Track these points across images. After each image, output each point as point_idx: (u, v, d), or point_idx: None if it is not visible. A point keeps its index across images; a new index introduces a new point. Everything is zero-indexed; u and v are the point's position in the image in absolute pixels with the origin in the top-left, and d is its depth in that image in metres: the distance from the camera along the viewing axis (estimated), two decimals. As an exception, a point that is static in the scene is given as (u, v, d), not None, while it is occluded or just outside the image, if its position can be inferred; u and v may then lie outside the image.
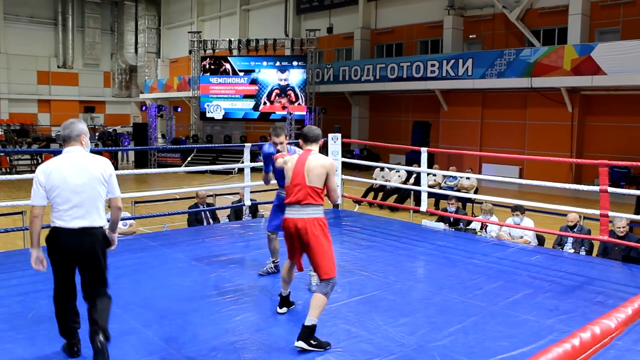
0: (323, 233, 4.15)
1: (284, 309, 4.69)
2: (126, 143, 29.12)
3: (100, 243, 3.72)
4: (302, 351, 3.91)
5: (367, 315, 4.64)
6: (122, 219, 8.49)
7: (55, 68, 37.75)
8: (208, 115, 26.77)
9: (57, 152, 7.35)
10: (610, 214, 6.55)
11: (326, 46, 27.44)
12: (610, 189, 6.50)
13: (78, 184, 3.62)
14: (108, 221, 3.89)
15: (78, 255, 3.67)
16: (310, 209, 4.17)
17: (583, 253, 7.64)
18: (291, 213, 4.22)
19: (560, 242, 8.05)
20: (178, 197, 12.55)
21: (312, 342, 3.93)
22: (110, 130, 32.23)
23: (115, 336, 4.07)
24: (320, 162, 4.21)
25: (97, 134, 31.55)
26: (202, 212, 9.32)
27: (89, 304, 3.70)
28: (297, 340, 3.93)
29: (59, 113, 36.77)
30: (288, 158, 4.45)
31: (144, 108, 27.03)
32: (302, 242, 4.18)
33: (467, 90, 20.40)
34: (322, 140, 4.80)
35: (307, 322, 3.94)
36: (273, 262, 5.72)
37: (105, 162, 3.79)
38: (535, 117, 19.13)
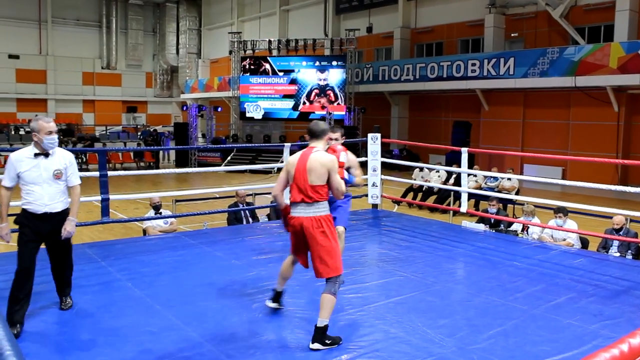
0: (329, 231, 4.13)
1: (275, 305, 4.65)
2: (167, 142, 29.58)
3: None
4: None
5: (405, 316, 4.60)
6: (163, 217, 8.63)
7: (100, 69, 38.64)
8: (248, 115, 26.99)
9: (101, 152, 7.51)
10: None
11: (366, 46, 27.36)
12: (659, 191, 6.30)
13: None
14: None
15: None
16: (314, 208, 4.14)
17: (629, 257, 7.42)
18: (297, 212, 4.22)
19: (605, 246, 7.85)
20: (218, 196, 12.68)
21: (326, 341, 4.00)
22: (151, 129, 32.74)
23: (156, 332, 4.16)
24: (320, 162, 4.15)
25: (139, 133, 32.13)
26: (242, 211, 9.39)
27: None
28: (312, 343, 3.99)
29: (102, 113, 37.67)
30: (290, 158, 4.39)
31: (184, 108, 27.40)
32: (307, 240, 4.16)
33: (509, 90, 20.05)
34: (329, 135, 4.68)
35: (319, 324, 3.99)
36: None
37: None
38: (579, 117, 18.68)
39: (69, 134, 29.88)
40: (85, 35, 37.93)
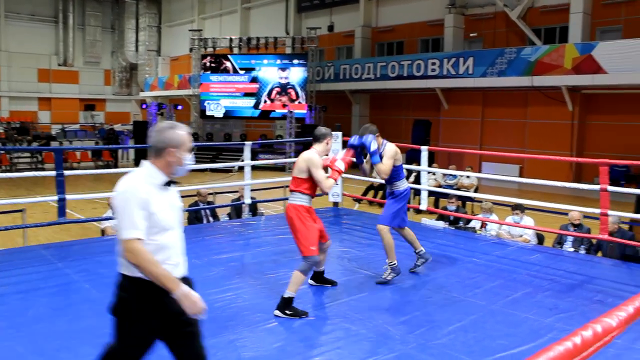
0: (300, 217, 4.75)
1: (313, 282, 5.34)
2: (126, 141, 29.10)
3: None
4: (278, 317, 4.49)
5: (366, 314, 4.64)
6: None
7: (56, 66, 37.68)
8: (208, 113, 26.75)
9: (58, 151, 7.34)
10: (610, 212, 6.55)
11: (327, 44, 27.41)
12: (611, 188, 6.50)
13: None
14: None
15: None
16: (294, 197, 4.85)
17: (583, 252, 7.63)
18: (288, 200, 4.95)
19: (560, 241, 8.05)
20: (178, 195, 12.52)
21: (287, 311, 4.52)
22: (108, 128, 32.10)
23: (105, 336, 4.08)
24: (302, 157, 4.83)
25: (96, 132, 31.52)
26: (202, 210, 9.31)
27: None
28: (275, 309, 4.54)
29: (59, 111, 36.74)
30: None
31: (144, 106, 27.05)
32: (288, 223, 4.86)
33: (468, 89, 20.37)
34: (328, 138, 5.02)
35: (284, 295, 4.56)
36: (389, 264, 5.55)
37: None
38: (536, 116, 19.11)
39: (24, 133, 29.15)
40: (41, 30, 36.93)
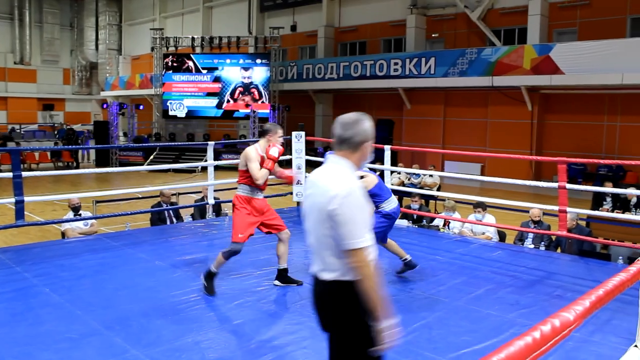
0: (237, 206, 5.21)
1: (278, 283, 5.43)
2: (87, 142, 28.57)
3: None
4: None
5: (332, 313, 4.64)
6: (83, 219, 8.34)
7: (12, 64, 36.67)
8: (171, 113, 26.44)
9: (15, 151, 7.16)
10: (568, 209, 6.70)
11: (290, 44, 27.38)
12: (569, 186, 6.65)
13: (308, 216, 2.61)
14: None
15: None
16: (238, 188, 5.27)
17: (543, 248, 7.80)
18: None
19: (520, 238, 8.21)
20: (140, 196, 12.36)
21: (205, 283, 5.06)
22: (67, 128, 31.44)
23: (76, 338, 4.01)
24: (243, 152, 5.22)
25: (56, 132, 30.83)
26: (166, 211, 9.20)
27: None
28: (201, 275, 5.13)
29: (16, 111, 35.77)
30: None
31: (105, 106, 26.62)
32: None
33: (430, 89, 20.60)
34: (271, 133, 5.27)
35: (209, 268, 5.08)
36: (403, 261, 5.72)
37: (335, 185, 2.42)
38: (496, 116, 19.44)
39: (-21, 133, 28.35)
40: (-4, 28, 35.99)
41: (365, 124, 2.59)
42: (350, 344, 2.43)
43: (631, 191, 9.66)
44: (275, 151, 5.17)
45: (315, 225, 2.48)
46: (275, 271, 5.43)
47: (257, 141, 5.34)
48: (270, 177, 5.28)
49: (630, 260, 6.61)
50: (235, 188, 5.31)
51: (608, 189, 9.62)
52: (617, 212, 10.39)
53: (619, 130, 17.24)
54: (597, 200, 11.57)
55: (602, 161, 8.17)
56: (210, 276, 5.06)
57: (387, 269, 5.72)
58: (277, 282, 5.38)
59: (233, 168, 5.49)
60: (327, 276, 2.44)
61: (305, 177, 9.39)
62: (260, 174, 5.11)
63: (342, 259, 2.34)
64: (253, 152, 5.15)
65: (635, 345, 2.35)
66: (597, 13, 17.64)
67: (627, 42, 15.92)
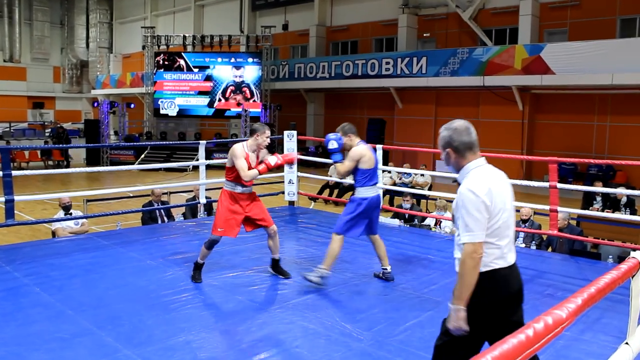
0: (221, 200, 5.40)
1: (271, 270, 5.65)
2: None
3: None
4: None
5: (324, 312, 4.65)
6: (74, 218, 8.30)
7: (2, 62, 36.41)
8: (162, 112, 26.34)
9: (4, 150, 7.11)
10: (559, 208, 6.74)
11: (281, 43, 27.36)
12: (559, 185, 6.69)
13: (513, 206, 2.88)
14: None
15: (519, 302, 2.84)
16: (225, 183, 5.44)
17: (533, 247, 7.84)
18: None
19: (511, 237, 8.23)
20: (131, 195, 12.32)
21: (194, 275, 5.38)
22: (58, 126, 31.25)
23: (67, 338, 3.99)
24: (230, 148, 5.35)
25: (47, 130, 30.64)
26: (157, 210, 9.17)
27: None
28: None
29: (5, 109, 35.42)
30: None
31: (95, 104, 26.42)
32: None
33: (421, 88, 20.65)
34: (259, 133, 5.34)
35: (196, 261, 5.43)
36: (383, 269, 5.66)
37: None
38: (487, 115, 19.51)
39: (-32, 131, 28.14)
40: (-16, 25, 35.70)
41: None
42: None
43: (621, 191, 9.74)
44: (273, 160, 5.28)
45: (513, 218, 2.83)
46: (268, 270, 5.47)
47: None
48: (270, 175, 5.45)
49: (620, 259, 6.66)
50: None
51: (598, 188, 9.70)
52: (607, 212, 10.47)
53: (609, 130, 17.35)
54: (588, 200, 11.65)
55: (592, 161, 8.23)
56: (197, 267, 5.42)
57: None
58: (270, 270, 5.63)
59: (224, 167, 5.51)
60: None
61: (297, 176, 9.39)
62: (248, 173, 5.20)
63: None
64: (239, 150, 5.26)
65: (626, 343, 2.36)
66: (587, 14, 17.75)
67: (617, 42, 16.04)
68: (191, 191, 10.37)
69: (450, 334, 2.73)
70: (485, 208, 2.63)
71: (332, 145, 5.33)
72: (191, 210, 9.84)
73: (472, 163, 2.81)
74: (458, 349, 2.73)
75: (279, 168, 6.13)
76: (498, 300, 2.69)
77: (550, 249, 7.82)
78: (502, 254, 2.74)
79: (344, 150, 5.38)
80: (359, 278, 5.62)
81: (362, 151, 5.31)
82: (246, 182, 5.35)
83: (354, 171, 5.35)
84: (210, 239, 5.36)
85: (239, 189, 5.38)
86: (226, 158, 5.43)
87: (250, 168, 5.25)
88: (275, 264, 5.59)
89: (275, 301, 4.97)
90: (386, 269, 5.57)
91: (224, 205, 5.35)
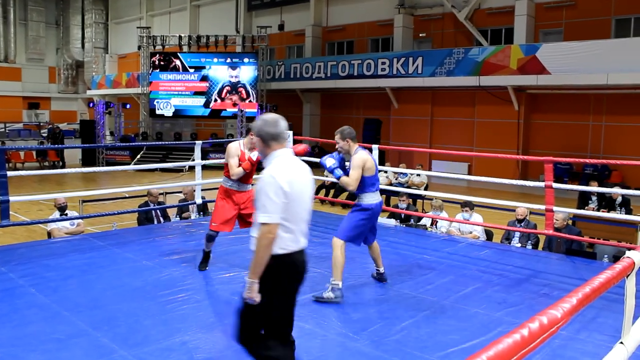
0: (218, 196, 5.69)
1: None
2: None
3: None
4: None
5: (320, 312, 4.66)
6: (70, 219, 8.28)
7: (-4, 62, 36.37)
8: (158, 112, 26.29)
9: (0, 150, 7.09)
10: (555, 208, 6.75)
11: (277, 43, 27.34)
12: (555, 185, 6.70)
13: (311, 196, 3.18)
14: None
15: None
16: (222, 179, 5.71)
17: (529, 247, 7.86)
18: None
19: (507, 237, 8.26)
20: (127, 195, 12.31)
21: (200, 264, 5.80)
22: (54, 127, 31.16)
23: (63, 339, 3.98)
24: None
25: (43, 130, 30.54)
26: (153, 211, 9.16)
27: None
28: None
29: (0, 109, 35.40)
30: None
31: (91, 105, 26.36)
32: None
33: (417, 88, 20.65)
34: (253, 133, 5.23)
35: (203, 248, 5.81)
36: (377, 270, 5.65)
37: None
38: (483, 115, 19.54)
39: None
40: (-21, 25, 35.54)
41: None
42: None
43: (616, 190, 9.76)
44: (255, 155, 5.42)
45: (309, 209, 3.14)
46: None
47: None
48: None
49: (615, 259, 6.68)
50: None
51: (594, 188, 9.72)
52: (602, 211, 10.49)
53: (604, 130, 17.40)
54: (583, 200, 11.67)
55: (587, 160, 8.23)
56: (205, 256, 5.83)
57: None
58: None
59: (220, 167, 5.60)
60: None
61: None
62: (235, 170, 5.47)
63: None
64: (233, 148, 5.53)
65: (621, 342, 2.37)
66: (582, 14, 17.78)
67: (612, 42, 16.08)
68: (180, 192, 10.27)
69: (247, 302, 3.02)
70: (283, 193, 2.89)
71: (329, 162, 5.12)
72: (181, 211, 9.73)
73: (276, 152, 3.08)
74: (256, 314, 3.06)
75: None
76: (288, 278, 3.06)
77: (540, 247, 7.86)
78: (296, 238, 3.02)
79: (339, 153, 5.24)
80: (355, 278, 5.63)
81: (365, 157, 5.10)
82: (243, 180, 5.63)
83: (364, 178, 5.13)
84: (207, 233, 5.68)
85: (235, 186, 5.63)
86: (222, 158, 5.50)
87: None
88: None
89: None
90: (379, 270, 5.54)
91: (219, 201, 5.65)
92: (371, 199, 5.18)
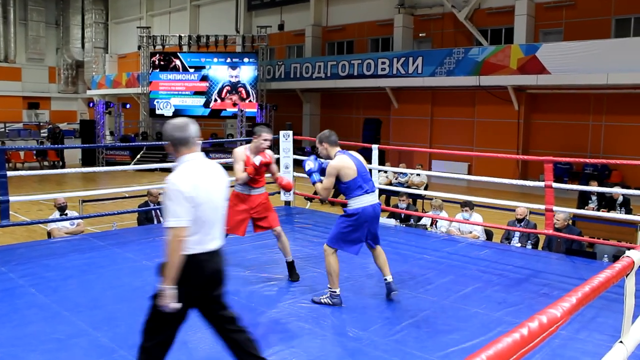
0: (229, 201, 5.32)
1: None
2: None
3: None
4: None
5: (320, 312, 4.65)
6: (69, 219, 8.29)
7: (-4, 62, 36.37)
8: (158, 112, 26.29)
9: None
10: (555, 208, 6.75)
11: (277, 43, 27.34)
12: (555, 185, 6.70)
13: (222, 198, 3.23)
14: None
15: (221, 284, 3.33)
16: None
17: (529, 247, 7.86)
18: None
19: (507, 237, 8.26)
20: (127, 195, 12.31)
21: None
22: (54, 126, 31.14)
23: (63, 339, 3.98)
24: None
25: (43, 130, 30.52)
26: (153, 211, 9.15)
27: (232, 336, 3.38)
28: None
29: (0, 109, 35.42)
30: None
31: (91, 105, 26.35)
32: None
33: (417, 88, 20.66)
34: (256, 135, 5.43)
35: None
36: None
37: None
38: (483, 115, 19.54)
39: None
40: (-21, 25, 35.53)
41: None
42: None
43: (616, 190, 9.76)
44: (257, 160, 5.37)
45: (219, 212, 3.18)
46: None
47: (247, 141, 5.55)
48: (267, 175, 5.67)
49: (615, 259, 6.68)
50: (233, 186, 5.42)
51: (594, 187, 9.72)
52: (602, 211, 10.49)
53: (604, 130, 17.40)
54: (583, 199, 11.67)
55: (587, 160, 8.23)
56: None
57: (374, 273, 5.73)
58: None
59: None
60: None
61: (294, 176, 9.39)
62: (240, 175, 5.41)
63: None
64: (238, 153, 5.47)
65: (621, 341, 2.37)
66: (582, 14, 17.78)
67: (612, 42, 16.08)
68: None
69: (157, 308, 3.02)
70: (185, 198, 2.91)
71: (308, 165, 4.99)
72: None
73: (185, 157, 3.08)
74: (166, 318, 3.07)
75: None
76: (195, 280, 3.05)
77: (540, 247, 7.86)
78: (202, 241, 3.04)
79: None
80: (355, 278, 5.63)
81: (338, 164, 4.78)
82: (253, 184, 5.53)
83: (338, 185, 4.85)
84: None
85: (245, 190, 5.56)
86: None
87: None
88: (290, 266, 5.61)
89: (271, 301, 4.96)
90: (385, 279, 5.04)
91: (231, 205, 5.42)
92: (358, 203, 4.79)
